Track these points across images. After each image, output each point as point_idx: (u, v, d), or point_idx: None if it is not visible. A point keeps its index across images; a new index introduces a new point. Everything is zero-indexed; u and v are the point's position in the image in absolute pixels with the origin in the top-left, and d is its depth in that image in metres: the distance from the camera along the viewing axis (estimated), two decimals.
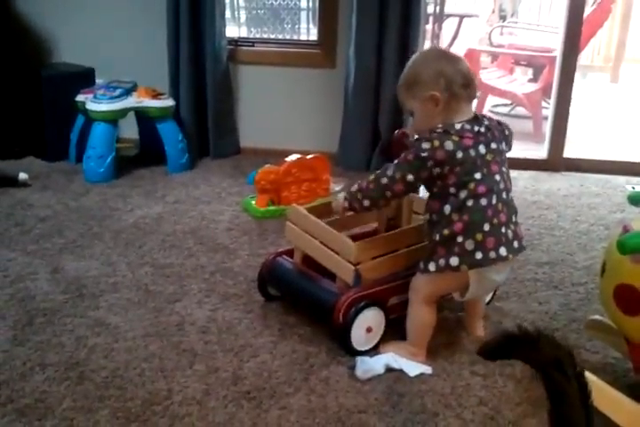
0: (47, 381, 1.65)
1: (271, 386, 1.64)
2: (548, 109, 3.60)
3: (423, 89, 1.64)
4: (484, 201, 1.60)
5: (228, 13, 4.28)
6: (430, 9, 4.47)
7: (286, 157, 2.78)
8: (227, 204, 2.84)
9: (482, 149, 1.62)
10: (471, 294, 1.70)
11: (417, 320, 1.74)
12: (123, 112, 3.08)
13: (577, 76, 3.39)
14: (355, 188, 1.71)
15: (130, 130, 3.38)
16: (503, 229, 1.63)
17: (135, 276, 2.19)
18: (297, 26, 5.68)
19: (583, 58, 6.21)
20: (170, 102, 3.19)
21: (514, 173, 3.25)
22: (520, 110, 4.78)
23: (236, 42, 3.51)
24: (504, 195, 1.65)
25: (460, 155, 1.58)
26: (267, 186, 2.70)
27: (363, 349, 1.76)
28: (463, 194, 1.60)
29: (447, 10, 5.01)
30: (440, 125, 1.62)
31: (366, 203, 1.70)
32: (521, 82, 4.94)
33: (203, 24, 3.25)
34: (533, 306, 2.05)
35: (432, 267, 1.64)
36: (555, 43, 3.87)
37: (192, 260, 2.31)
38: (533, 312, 2.02)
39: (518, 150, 3.86)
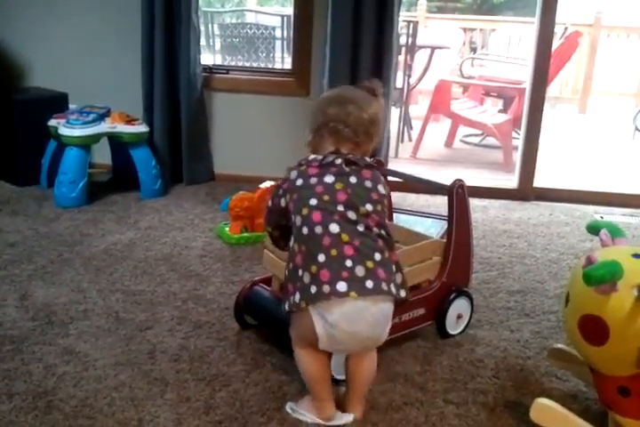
0: (14, 410, 1.61)
1: (244, 416, 1.62)
2: (518, 140, 3.67)
3: (308, 128, 1.68)
4: (318, 229, 1.48)
5: (202, 41, 4.32)
6: (403, 40, 4.56)
7: (260, 183, 2.79)
8: (200, 230, 2.83)
9: (328, 178, 1.54)
10: (324, 344, 1.48)
11: (300, 369, 1.57)
12: (95, 137, 3.07)
13: (546, 107, 3.47)
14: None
15: (103, 155, 3.37)
16: (348, 263, 1.44)
17: (106, 303, 2.16)
18: (271, 54, 5.75)
19: (552, 89, 6.36)
20: (143, 128, 3.18)
21: (484, 202, 3.35)
22: (490, 140, 4.86)
23: (210, 69, 3.53)
24: (359, 227, 1.49)
25: (299, 182, 1.56)
26: (240, 212, 2.70)
27: (341, 377, 1.75)
28: (298, 220, 1.52)
29: (419, 41, 5.11)
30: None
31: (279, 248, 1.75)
32: (491, 113, 5.03)
33: (177, 51, 3.27)
34: (505, 334, 2.07)
35: (286, 306, 1.51)
36: (524, 75, 3.96)
37: (164, 287, 2.29)
38: (505, 340, 2.03)
39: (489, 180, 3.94)
